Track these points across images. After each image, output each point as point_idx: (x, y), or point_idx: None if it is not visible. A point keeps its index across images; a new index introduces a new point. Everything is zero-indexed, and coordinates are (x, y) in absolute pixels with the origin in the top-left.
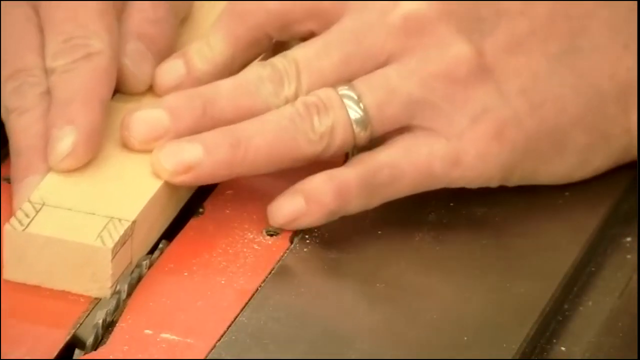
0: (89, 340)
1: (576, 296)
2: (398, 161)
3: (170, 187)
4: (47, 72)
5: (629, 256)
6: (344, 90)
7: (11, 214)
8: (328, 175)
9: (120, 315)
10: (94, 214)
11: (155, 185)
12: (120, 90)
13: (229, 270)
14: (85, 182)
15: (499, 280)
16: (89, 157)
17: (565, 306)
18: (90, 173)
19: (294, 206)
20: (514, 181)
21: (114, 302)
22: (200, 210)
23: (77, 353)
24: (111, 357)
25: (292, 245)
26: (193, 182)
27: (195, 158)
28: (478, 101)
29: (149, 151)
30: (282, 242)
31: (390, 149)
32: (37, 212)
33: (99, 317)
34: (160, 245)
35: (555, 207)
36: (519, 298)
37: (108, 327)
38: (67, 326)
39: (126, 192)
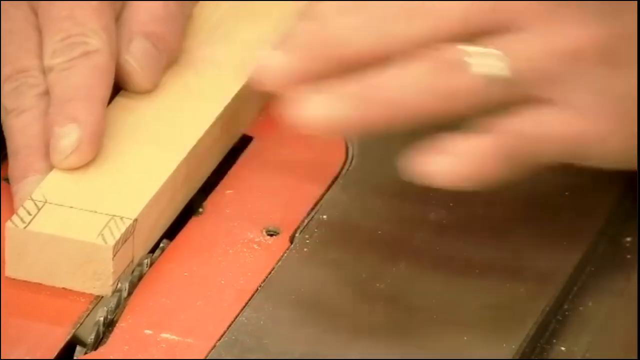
0: (90, 338)
1: (576, 296)
2: (536, 132)
3: (172, 186)
4: (45, 70)
5: (629, 256)
6: (481, 49)
7: (11, 214)
8: (471, 141)
9: (121, 313)
10: (95, 212)
11: (157, 184)
12: (126, 88)
13: (229, 270)
14: (87, 180)
15: (499, 280)
16: (93, 154)
17: (565, 306)
18: (92, 171)
19: (439, 165)
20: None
21: (115, 301)
22: (200, 210)
23: (78, 350)
24: (111, 357)
25: (292, 245)
26: (331, 133)
27: (332, 111)
28: (608, 82)
29: (152, 148)
30: (282, 242)
31: (527, 118)
32: (39, 209)
33: (100, 315)
34: (162, 245)
35: (555, 207)
36: (519, 298)
37: (109, 325)
38: (68, 324)
39: (128, 190)
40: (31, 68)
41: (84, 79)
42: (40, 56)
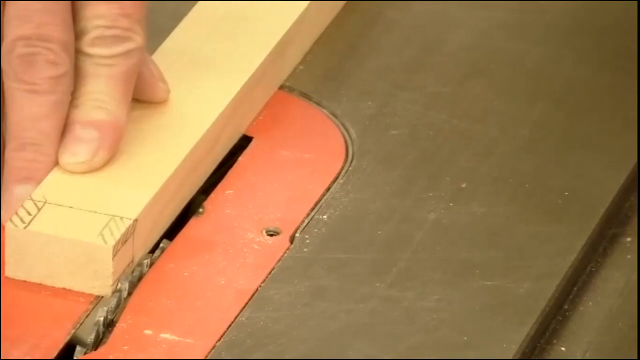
0: (90, 338)
1: (576, 296)
2: None
3: (172, 186)
4: (77, 51)
5: (628, 256)
6: None
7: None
8: None
9: (121, 313)
10: (95, 212)
11: (157, 184)
12: (140, 97)
13: (229, 270)
14: (88, 180)
15: (499, 280)
16: (104, 164)
17: (565, 306)
18: (92, 171)
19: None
20: None
21: (114, 301)
22: (200, 210)
23: (78, 351)
24: (111, 357)
25: (292, 245)
26: None
27: None
28: None
29: (152, 148)
30: (282, 242)
31: None
32: (39, 209)
33: (100, 315)
34: (162, 245)
35: (555, 207)
36: (519, 298)
37: (109, 325)
38: (68, 324)
39: (128, 190)
40: (55, 41)
41: (121, 85)
42: (69, 28)
